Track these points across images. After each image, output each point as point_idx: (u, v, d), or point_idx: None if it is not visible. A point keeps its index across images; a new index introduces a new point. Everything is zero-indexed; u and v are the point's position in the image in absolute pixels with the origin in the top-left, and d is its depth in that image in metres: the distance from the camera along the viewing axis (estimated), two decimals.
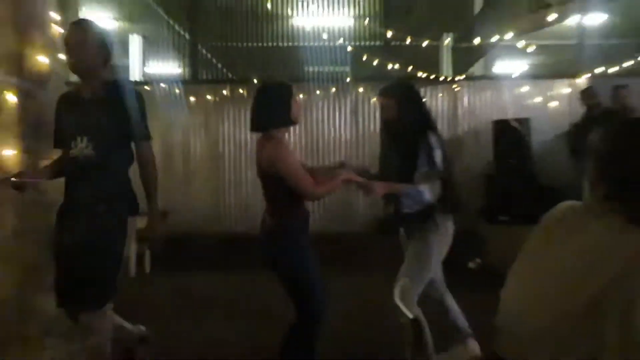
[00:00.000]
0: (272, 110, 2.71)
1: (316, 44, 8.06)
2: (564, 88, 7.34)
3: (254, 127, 2.78)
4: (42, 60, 2.91)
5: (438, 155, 2.89)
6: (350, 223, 7.25)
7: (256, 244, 2.88)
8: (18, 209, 2.93)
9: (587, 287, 1.24)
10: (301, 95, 7.42)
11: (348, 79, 7.58)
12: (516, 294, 1.44)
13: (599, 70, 7.00)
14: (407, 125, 2.92)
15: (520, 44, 6.65)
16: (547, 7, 5.17)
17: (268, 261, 2.78)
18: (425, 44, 6.72)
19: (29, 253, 2.96)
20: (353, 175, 2.83)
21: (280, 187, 2.69)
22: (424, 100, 3.21)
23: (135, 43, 10.23)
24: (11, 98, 2.88)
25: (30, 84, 2.91)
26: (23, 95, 2.90)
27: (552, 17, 5.60)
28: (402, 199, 2.92)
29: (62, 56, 3.16)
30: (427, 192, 2.93)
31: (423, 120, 2.99)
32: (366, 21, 7.88)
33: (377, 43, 7.98)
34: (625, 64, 7.01)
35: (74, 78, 3.00)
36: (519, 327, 1.38)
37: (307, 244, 2.78)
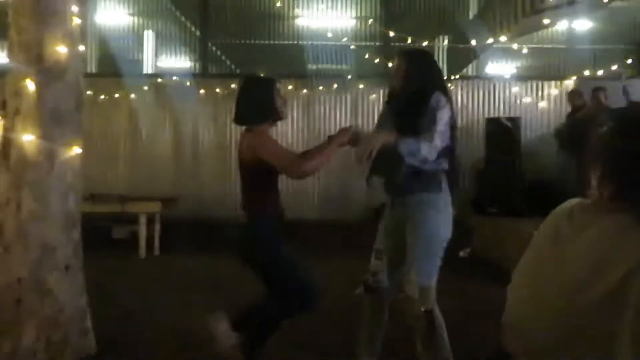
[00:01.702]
0: (256, 105, 2.53)
1: (320, 42, 7.96)
2: (552, 89, 7.25)
3: (238, 121, 2.59)
4: (61, 50, 2.81)
5: (443, 117, 2.47)
6: (347, 211, 7.18)
7: None
8: (36, 193, 2.84)
9: (600, 282, 1.16)
10: (305, 91, 7.32)
11: (349, 76, 7.48)
12: (525, 291, 1.36)
13: (586, 73, 6.91)
14: (413, 86, 2.58)
15: (513, 46, 6.57)
16: (540, 13, 5.08)
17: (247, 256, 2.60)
18: (423, 44, 6.62)
19: (46, 235, 2.88)
20: (343, 138, 2.47)
21: (259, 179, 2.51)
22: (436, 64, 2.81)
23: (149, 38, 10.12)
24: (30, 86, 2.78)
25: (49, 73, 2.81)
26: (42, 83, 2.80)
27: (545, 21, 5.50)
28: (404, 158, 2.44)
29: (81, 47, 3.07)
30: (428, 149, 2.42)
31: (431, 83, 2.58)
32: (369, 22, 7.77)
33: (378, 43, 7.87)
34: (611, 68, 6.92)
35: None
36: (528, 325, 1.30)
37: (280, 240, 2.56)
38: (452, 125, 2.57)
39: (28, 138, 2.80)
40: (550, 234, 1.35)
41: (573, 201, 1.38)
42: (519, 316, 1.32)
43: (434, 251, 2.52)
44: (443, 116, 2.48)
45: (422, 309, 2.36)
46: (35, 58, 2.80)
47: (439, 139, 2.45)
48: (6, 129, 2.85)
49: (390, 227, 2.65)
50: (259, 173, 2.50)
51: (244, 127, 2.62)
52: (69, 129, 2.93)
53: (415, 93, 2.57)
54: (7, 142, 2.86)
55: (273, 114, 2.56)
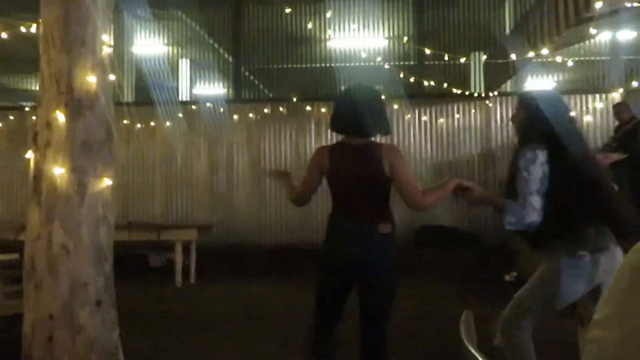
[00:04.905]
0: (383, 115, 2.58)
1: (353, 64, 7.83)
2: (597, 102, 6.88)
3: (363, 133, 2.48)
4: (90, 80, 2.73)
5: (534, 173, 2.25)
6: None
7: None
8: (67, 226, 2.74)
9: None
10: None
11: (383, 97, 7.29)
12: (604, 350, 1.10)
13: (632, 85, 6.53)
14: (518, 136, 2.46)
15: (557, 59, 6.26)
16: (586, 22, 4.80)
17: (365, 269, 2.42)
18: (461, 60, 6.39)
19: (77, 269, 2.77)
20: (459, 181, 2.48)
21: (387, 193, 2.48)
22: (545, 108, 2.35)
23: (183, 66, 10.23)
24: (61, 117, 2.70)
25: (79, 104, 2.73)
26: (72, 114, 2.72)
27: (592, 31, 5.21)
28: (504, 214, 2.30)
29: (111, 76, 2.99)
30: (533, 212, 2.24)
31: (531, 131, 2.34)
32: (404, 40, 7.60)
33: (412, 62, 7.68)
34: None
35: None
36: None
37: None
38: (571, 173, 2.26)
39: (59, 171, 2.72)
40: (629, 282, 1.09)
41: None
42: None
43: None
44: (531, 174, 2.26)
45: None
46: (65, 89, 2.73)
47: (533, 200, 2.25)
48: (37, 162, 2.78)
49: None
50: (388, 189, 2.47)
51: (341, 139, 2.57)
52: (100, 160, 2.83)
53: (517, 145, 2.43)
54: (39, 175, 2.78)
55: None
